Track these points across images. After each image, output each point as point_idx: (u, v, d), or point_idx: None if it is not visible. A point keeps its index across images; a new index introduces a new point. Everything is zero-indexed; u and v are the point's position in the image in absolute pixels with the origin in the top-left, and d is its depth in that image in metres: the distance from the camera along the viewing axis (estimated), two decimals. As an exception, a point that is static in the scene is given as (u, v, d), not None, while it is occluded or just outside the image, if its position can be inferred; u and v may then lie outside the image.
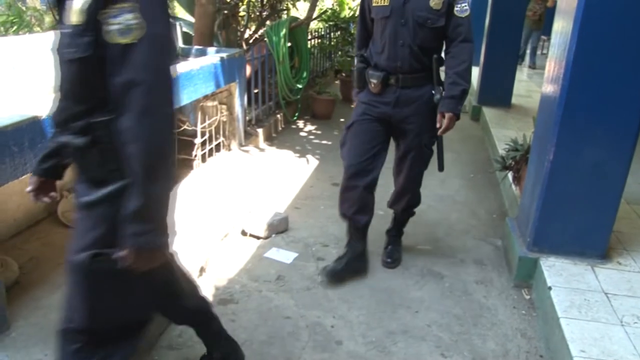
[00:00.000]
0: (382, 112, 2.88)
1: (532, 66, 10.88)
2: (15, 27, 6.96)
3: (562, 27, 2.83)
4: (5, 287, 2.32)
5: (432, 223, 3.82)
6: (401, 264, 3.22)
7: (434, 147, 2.96)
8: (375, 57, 2.87)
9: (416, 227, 3.65)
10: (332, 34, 8.45)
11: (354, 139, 2.94)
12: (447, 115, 2.76)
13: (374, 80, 2.84)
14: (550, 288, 2.69)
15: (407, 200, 3.18)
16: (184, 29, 6.26)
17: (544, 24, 10.65)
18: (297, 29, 6.41)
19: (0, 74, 2.81)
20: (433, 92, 2.82)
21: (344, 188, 2.97)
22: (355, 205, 2.95)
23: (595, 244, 2.96)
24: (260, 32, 6.70)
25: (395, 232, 3.35)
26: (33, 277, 2.65)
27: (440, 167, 2.96)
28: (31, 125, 2.26)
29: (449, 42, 2.80)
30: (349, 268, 3.03)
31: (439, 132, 2.81)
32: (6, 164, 2.14)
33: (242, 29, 6.65)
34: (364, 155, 2.90)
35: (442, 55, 2.88)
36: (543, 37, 11.65)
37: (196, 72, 3.72)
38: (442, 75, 2.88)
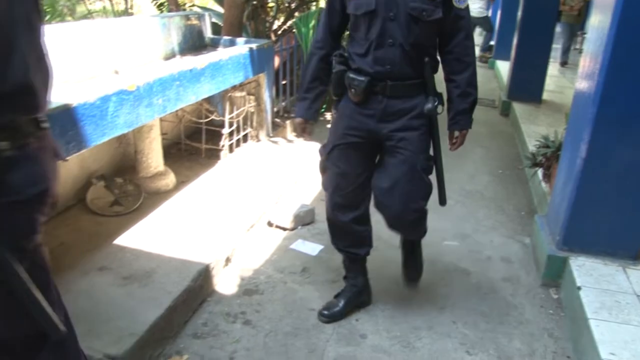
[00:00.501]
0: (365, 127, 2.39)
1: (564, 64, 10.19)
2: (48, 17, 7.08)
3: (599, 21, 2.76)
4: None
5: (459, 219, 3.78)
6: (428, 259, 3.19)
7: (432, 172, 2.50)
8: (358, 60, 2.34)
9: (443, 222, 3.62)
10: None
11: (335, 167, 2.50)
12: (460, 133, 2.50)
13: (354, 88, 2.32)
14: (579, 288, 2.65)
15: (410, 242, 2.76)
16: (213, 20, 6.28)
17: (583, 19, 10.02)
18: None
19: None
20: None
21: (330, 221, 2.66)
22: (348, 240, 2.64)
23: (627, 245, 2.89)
24: (289, 23, 6.68)
25: (410, 246, 2.79)
26: (62, 262, 2.68)
27: (442, 200, 2.58)
28: (63, 113, 2.28)
29: (447, 40, 2.36)
30: (349, 306, 2.66)
31: (451, 149, 2.54)
32: (38, 151, 2.16)
33: (271, 20, 6.64)
34: (348, 186, 2.48)
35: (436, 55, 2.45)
36: (579, 33, 11.10)
37: (225, 62, 3.73)
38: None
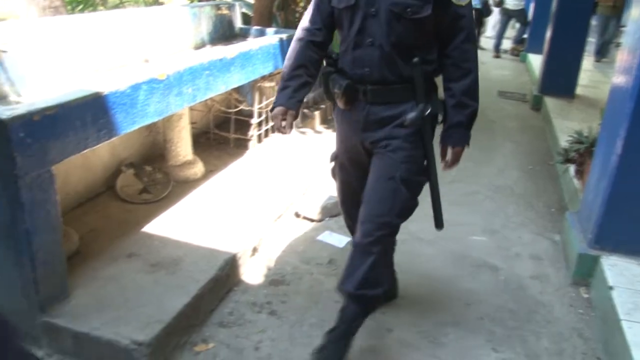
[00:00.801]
0: (350, 142, 2.23)
1: (599, 59, 9.88)
2: (81, 7, 7.16)
3: (639, 14, 2.68)
4: (66, 256, 2.39)
5: (488, 214, 3.73)
6: (455, 254, 3.16)
7: (422, 186, 2.21)
8: (341, 60, 2.16)
9: (472, 217, 3.59)
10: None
11: (340, 180, 2.42)
12: (454, 150, 2.15)
13: (336, 90, 2.13)
14: (611, 288, 2.59)
15: (361, 276, 2.13)
16: (243, 10, 6.28)
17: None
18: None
19: (67, 51, 2.87)
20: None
21: (347, 226, 2.56)
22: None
23: (662, 245, 2.82)
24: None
25: (350, 314, 2.20)
26: (92, 248, 2.72)
27: (438, 223, 2.29)
28: (94, 101, 2.30)
29: (445, 42, 2.07)
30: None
31: (443, 168, 2.21)
32: (69, 138, 2.19)
33: (300, 10, 6.61)
34: (353, 203, 2.32)
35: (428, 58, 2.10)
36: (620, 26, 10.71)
37: (255, 52, 3.72)
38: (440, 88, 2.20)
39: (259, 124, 4.28)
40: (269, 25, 5.19)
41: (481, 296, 2.79)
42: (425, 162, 2.18)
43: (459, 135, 2.14)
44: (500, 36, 10.90)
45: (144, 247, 2.75)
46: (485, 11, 11.32)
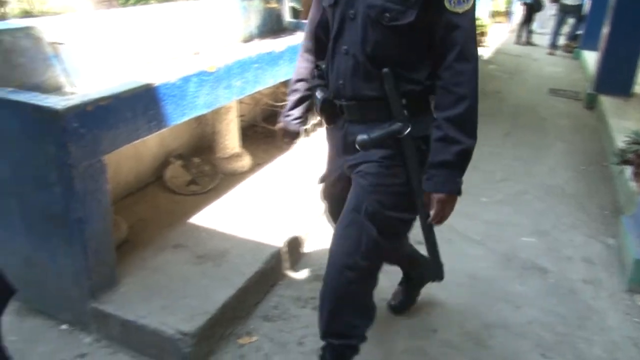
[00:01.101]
0: (338, 158, 1.94)
1: None
2: (132, 0, 7.29)
3: None
4: (115, 245, 2.44)
5: (537, 214, 3.63)
6: (503, 255, 3.08)
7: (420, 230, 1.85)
8: (325, 69, 1.89)
9: (520, 217, 3.50)
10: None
11: (327, 202, 2.17)
12: (436, 197, 1.69)
13: (316, 104, 1.88)
14: (669, 295, 2.48)
15: (325, 323, 1.93)
16: (292, 4, 6.27)
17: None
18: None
19: (120, 44, 2.92)
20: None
21: None
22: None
23: None
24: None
25: None
26: (140, 238, 2.76)
27: (437, 273, 1.96)
28: (145, 93, 2.33)
29: (437, 61, 1.67)
30: (414, 291, 2.46)
31: (430, 219, 1.75)
32: (121, 129, 2.22)
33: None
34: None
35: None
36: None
37: (304, 46, 3.70)
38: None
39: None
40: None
41: (530, 299, 2.71)
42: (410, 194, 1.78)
43: (442, 179, 1.68)
44: (556, 32, 10.62)
45: (191, 238, 2.78)
46: (536, 5, 11.04)
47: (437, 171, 1.67)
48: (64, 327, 2.41)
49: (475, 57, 1.64)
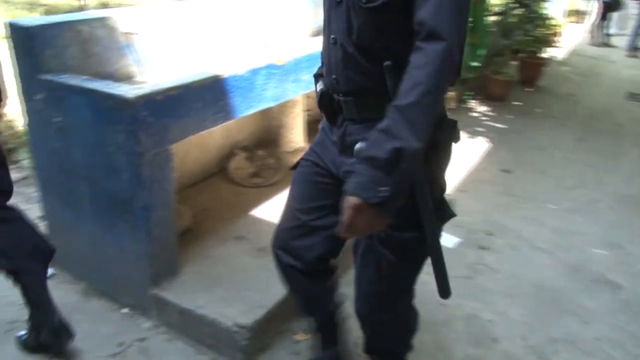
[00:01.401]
0: (329, 156, 1.67)
1: None
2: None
3: None
4: (178, 233, 2.47)
5: (610, 225, 3.46)
6: (572, 266, 2.95)
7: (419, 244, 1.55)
8: None
9: (592, 227, 3.34)
10: (513, 10, 7.95)
11: (292, 188, 1.83)
12: (349, 201, 1.33)
13: (316, 98, 1.68)
14: None
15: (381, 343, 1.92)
16: None
17: None
18: (477, 3, 6.09)
19: (190, 34, 2.95)
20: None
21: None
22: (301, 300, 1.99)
23: None
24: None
25: None
26: (203, 227, 2.79)
27: (443, 291, 1.58)
28: (214, 84, 2.34)
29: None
30: None
31: (337, 229, 1.44)
32: (189, 119, 2.24)
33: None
34: (291, 221, 1.81)
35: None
36: None
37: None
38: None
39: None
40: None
41: (599, 315, 2.58)
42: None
43: (363, 180, 1.32)
44: (636, 33, 10.08)
45: (253, 231, 2.78)
46: (614, 4, 10.50)
47: (362, 168, 1.33)
48: (125, 310, 2.46)
49: (451, 35, 1.29)
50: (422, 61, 1.29)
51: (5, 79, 2.25)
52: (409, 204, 1.46)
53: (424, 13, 1.30)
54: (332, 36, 1.53)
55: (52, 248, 2.16)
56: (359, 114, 1.52)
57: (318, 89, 1.65)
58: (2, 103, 2.24)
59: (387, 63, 1.41)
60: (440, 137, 1.47)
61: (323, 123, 1.71)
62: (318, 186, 1.71)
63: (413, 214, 1.48)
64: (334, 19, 1.51)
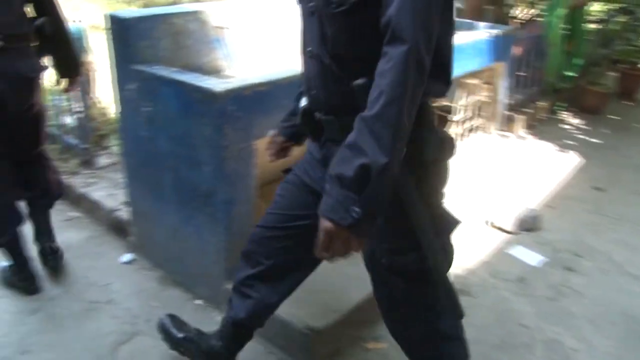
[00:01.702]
0: (316, 174, 1.61)
1: None
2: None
3: None
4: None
5: None
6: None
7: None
8: None
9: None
10: (615, 18, 7.54)
11: (276, 195, 1.83)
12: (322, 224, 1.27)
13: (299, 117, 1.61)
14: None
15: None
16: (457, 4, 6.09)
17: None
18: (577, 10, 5.81)
19: (278, 31, 2.95)
20: None
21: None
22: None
23: None
24: (532, 10, 6.24)
25: None
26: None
27: (455, 314, 1.60)
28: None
29: None
30: None
31: (314, 252, 1.32)
32: (275, 116, 2.20)
33: (512, 6, 6.26)
34: (270, 223, 1.81)
35: None
36: None
37: (464, 46, 3.53)
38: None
39: (461, 122, 4.09)
40: (480, 20, 4.94)
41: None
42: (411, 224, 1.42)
43: (332, 201, 1.25)
44: None
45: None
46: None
47: (331, 188, 1.25)
48: (199, 302, 2.49)
49: (414, 36, 1.18)
50: (386, 67, 1.20)
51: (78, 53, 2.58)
52: (405, 226, 1.40)
53: (390, 11, 1.21)
54: (309, 48, 1.46)
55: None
56: (341, 134, 1.33)
57: (300, 106, 1.58)
58: (78, 72, 2.56)
59: (357, 82, 1.30)
60: (427, 153, 1.41)
61: (308, 140, 1.67)
62: (301, 198, 1.70)
63: (411, 235, 1.42)
64: (309, 29, 1.46)
